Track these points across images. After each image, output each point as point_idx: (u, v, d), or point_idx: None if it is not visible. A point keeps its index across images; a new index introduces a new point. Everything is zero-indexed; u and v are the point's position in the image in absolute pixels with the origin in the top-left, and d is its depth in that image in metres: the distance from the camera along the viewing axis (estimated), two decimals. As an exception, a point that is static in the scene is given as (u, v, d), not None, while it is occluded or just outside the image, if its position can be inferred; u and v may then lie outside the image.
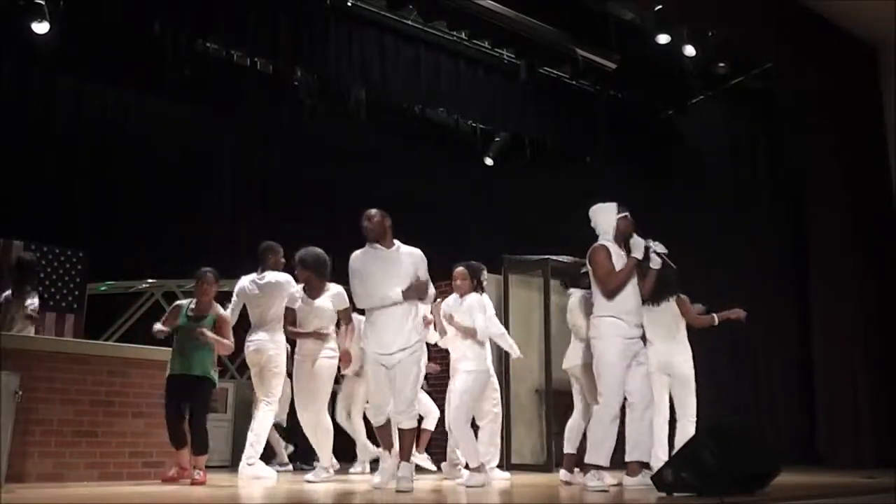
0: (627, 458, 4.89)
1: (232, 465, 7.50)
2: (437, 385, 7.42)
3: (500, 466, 6.75)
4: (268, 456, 6.68)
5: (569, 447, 5.66)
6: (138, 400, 5.49)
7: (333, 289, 5.89)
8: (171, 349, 5.56)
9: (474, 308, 5.74)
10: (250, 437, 5.93)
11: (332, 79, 8.66)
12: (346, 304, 5.77)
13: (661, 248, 5.05)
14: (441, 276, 9.55)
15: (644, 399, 4.84)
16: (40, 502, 4.36)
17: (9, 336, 5.47)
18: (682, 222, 8.91)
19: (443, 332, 5.92)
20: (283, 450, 7.33)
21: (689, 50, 8.45)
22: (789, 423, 8.57)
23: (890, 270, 8.04)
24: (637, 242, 4.96)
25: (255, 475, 5.78)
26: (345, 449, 7.05)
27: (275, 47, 7.92)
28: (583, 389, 5.67)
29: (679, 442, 5.25)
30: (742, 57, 8.93)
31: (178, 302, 5.80)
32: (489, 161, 10.75)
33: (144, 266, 8.72)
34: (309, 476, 5.80)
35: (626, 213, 5.07)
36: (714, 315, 5.86)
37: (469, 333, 5.71)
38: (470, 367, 5.57)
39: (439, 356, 6.71)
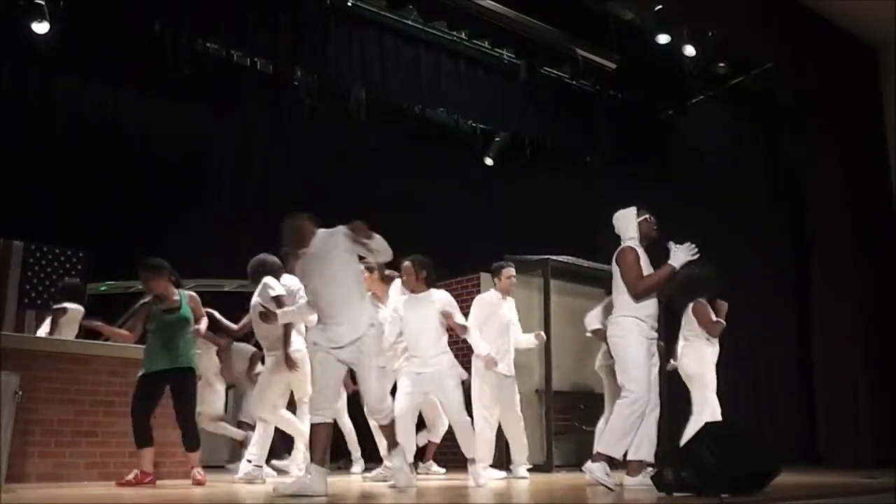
0: (630, 458, 4.89)
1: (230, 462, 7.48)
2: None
3: (500, 466, 6.77)
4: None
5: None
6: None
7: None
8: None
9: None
10: (299, 442, 6.07)
11: (332, 79, 8.65)
12: None
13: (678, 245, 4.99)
14: (441, 277, 9.60)
15: (653, 400, 4.85)
16: (40, 502, 4.37)
17: (9, 336, 5.48)
18: (681, 222, 8.90)
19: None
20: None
21: (689, 50, 8.45)
22: (789, 423, 8.56)
23: (890, 270, 8.04)
24: (676, 252, 4.86)
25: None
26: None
27: (275, 47, 7.92)
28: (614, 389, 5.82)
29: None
30: (742, 57, 8.93)
31: (142, 301, 5.67)
32: (489, 161, 10.76)
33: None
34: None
35: (647, 216, 5.07)
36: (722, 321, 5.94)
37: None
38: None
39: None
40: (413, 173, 10.22)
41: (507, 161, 10.73)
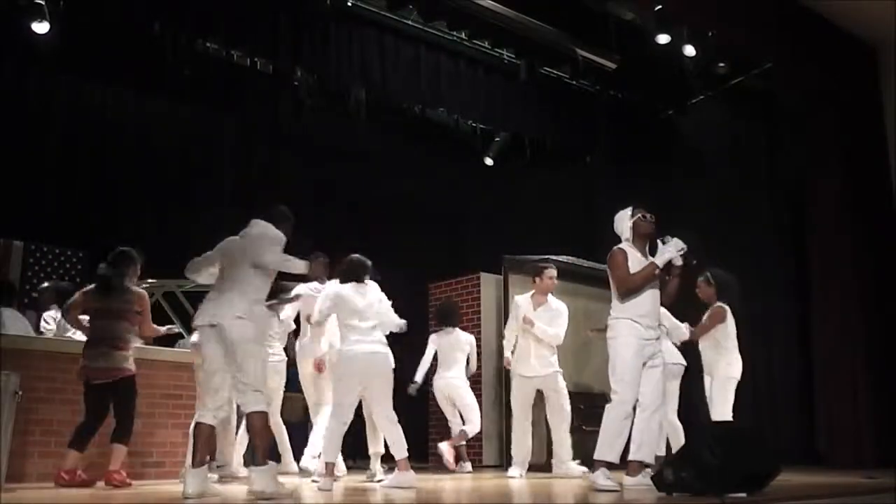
0: (631, 458, 4.89)
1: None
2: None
3: (499, 466, 6.80)
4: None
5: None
6: (138, 400, 5.46)
7: None
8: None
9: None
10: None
11: (332, 79, 8.65)
12: None
13: (673, 240, 4.99)
14: (441, 277, 9.62)
15: (655, 401, 4.84)
16: (40, 502, 4.37)
17: (9, 336, 5.46)
18: (681, 222, 8.88)
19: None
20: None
21: (689, 50, 8.45)
22: (789, 423, 8.56)
23: (890, 270, 8.04)
24: (662, 250, 4.90)
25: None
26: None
27: (275, 47, 7.92)
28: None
29: None
30: (742, 57, 8.93)
31: (86, 289, 5.55)
32: (489, 161, 10.75)
33: (144, 266, 8.71)
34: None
35: (641, 214, 5.06)
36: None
37: None
38: None
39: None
40: (413, 173, 10.21)
41: (507, 161, 10.73)
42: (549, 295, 6.92)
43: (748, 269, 9.00)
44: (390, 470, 5.49)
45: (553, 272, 6.95)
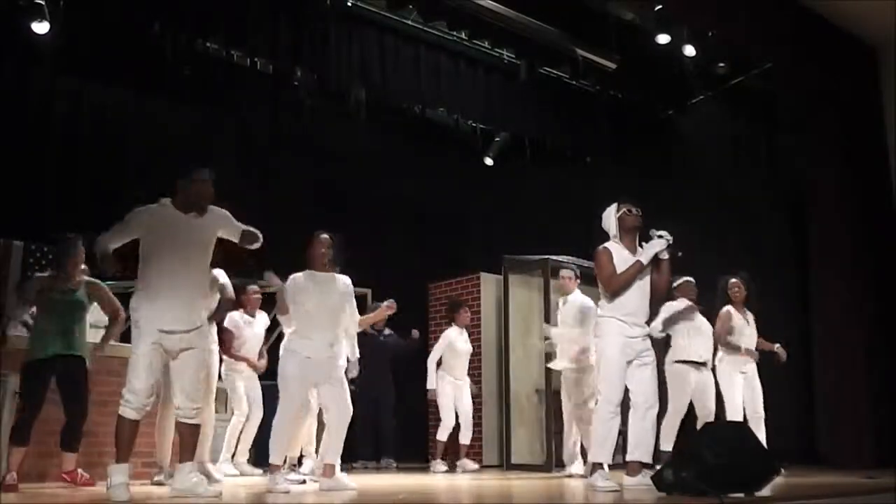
0: (628, 458, 4.89)
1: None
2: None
3: (499, 466, 6.82)
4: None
5: (666, 444, 6.07)
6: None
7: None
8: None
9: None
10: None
11: (332, 79, 8.64)
12: None
13: (666, 236, 4.97)
14: (441, 277, 9.62)
15: (648, 399, 4.83)
16: (40, 502, 4.37)
17: (9, 336, 5.46)
18: (681, 222, 8.89)
19: None
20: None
21: (689, 50, 8.45)
22: (789, 423, 8.56)
23: (890, 270, 8.04)
24: (646, 248, 4.91)
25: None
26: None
27: (275, 47, 7.91)
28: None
29: None
30: (742, 57, 8.93)
31: (37, 275, 5.41)
32: (489, 161, 10.75)
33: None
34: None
35: (626, 209, 5.04)
36: None
37: None
38: None
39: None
40: (413, 173, 10.22)
41: (507, 161, 10.73)
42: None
43: (748, 269, 9.01)
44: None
45: (565, 272, 7.16)
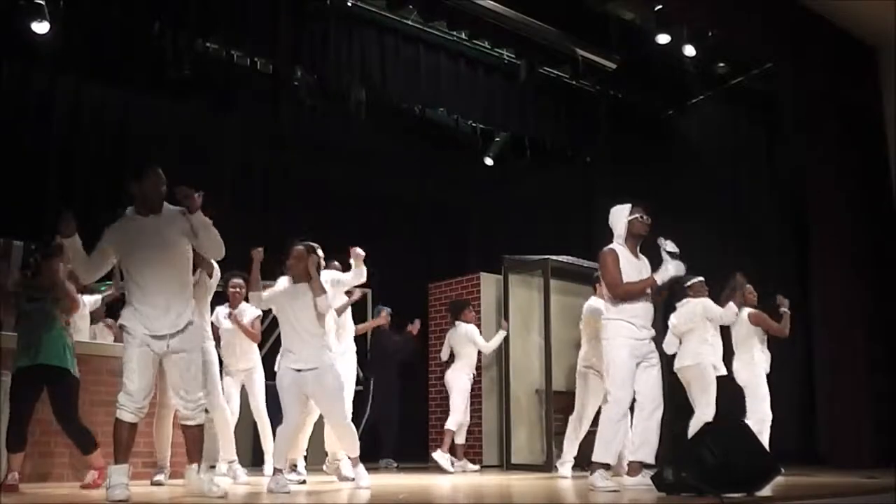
0: (631, 458, 4.90)
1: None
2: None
3: (499, 466, 6.82)
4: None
5: None
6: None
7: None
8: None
9: None
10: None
11: (332, 79, 8.65)
12: None
13: (671, 247, 5.01)
14: (441, 277, 9.61)
15: (653, 400, 4.84)
16: (40, 502, 4.37)
17: (9, 336, 5.45)
18: (681, 222, 8.90)
19: None
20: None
21: (689, 50, 8.45)
22: (789, 423, 8.56)
23: (890, 270, 8.04)
24: (667, 267, 4.88)
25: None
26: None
27: (275, 47, 7.92)
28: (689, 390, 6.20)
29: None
30: (742, 57, 8.93)
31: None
32: (489, 161, 10.76)
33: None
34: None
35: (639, 214, 5.03)
36: None
37: None
38: None
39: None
40: (413, 173, 10.21)
41: (507, 161, 10.73)
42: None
43: (748, 269, 9.02)
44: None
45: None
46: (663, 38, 8.34)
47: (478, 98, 9.18)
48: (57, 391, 4.92)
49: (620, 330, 4.84)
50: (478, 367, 8.16)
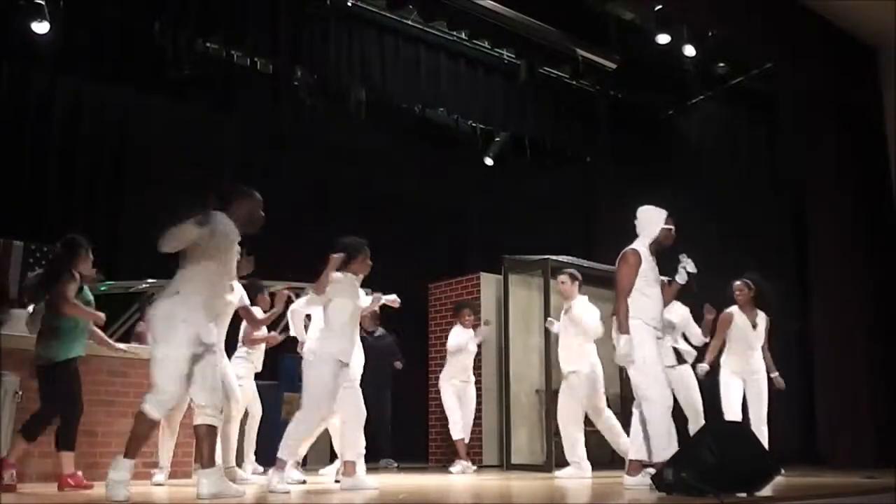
0: (631, 457, 4.89)
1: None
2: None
3: (499, 466, 6.81)
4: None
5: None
6: (138, 400, 5.26)
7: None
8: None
9: None
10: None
11: (332, 79, 8.65)
12: None
13: (691, 267, 5.08)
14: (441, 277, 9.61)
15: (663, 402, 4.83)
16: (40, 502, 4.37)
17: (9, 336, 5.46)
18: (681, 222, 8.90)
19: None
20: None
21: (689, 50, 8.45)
22: (789, 423, 8.56)
23: (890, 270, 8.04)
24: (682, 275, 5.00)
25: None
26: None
27: (275, 47, 7.92)
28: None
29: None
30: (742, 57, 8.93)
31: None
32: (489, 161, 10.76)
33: (144, 266, 8.71)
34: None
35: (672, 227, 5.04)
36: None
37: None
38: None
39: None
40: (413, 173, 10.21)
41: (507, 161, 10.73)
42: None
43: (747, 269, 9.02)
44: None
45: (561, 277, 6.88)
46: (663, 38, 8.35)
47: (478, 98, 9.19)
48: (78, 377, 4.95)
49: (642, 329, 4.78)
50: (478, 367, 8.14)
